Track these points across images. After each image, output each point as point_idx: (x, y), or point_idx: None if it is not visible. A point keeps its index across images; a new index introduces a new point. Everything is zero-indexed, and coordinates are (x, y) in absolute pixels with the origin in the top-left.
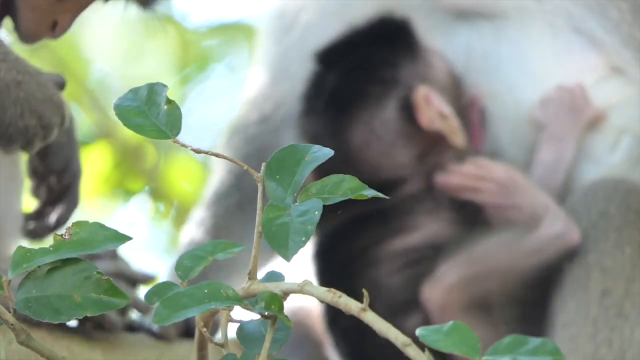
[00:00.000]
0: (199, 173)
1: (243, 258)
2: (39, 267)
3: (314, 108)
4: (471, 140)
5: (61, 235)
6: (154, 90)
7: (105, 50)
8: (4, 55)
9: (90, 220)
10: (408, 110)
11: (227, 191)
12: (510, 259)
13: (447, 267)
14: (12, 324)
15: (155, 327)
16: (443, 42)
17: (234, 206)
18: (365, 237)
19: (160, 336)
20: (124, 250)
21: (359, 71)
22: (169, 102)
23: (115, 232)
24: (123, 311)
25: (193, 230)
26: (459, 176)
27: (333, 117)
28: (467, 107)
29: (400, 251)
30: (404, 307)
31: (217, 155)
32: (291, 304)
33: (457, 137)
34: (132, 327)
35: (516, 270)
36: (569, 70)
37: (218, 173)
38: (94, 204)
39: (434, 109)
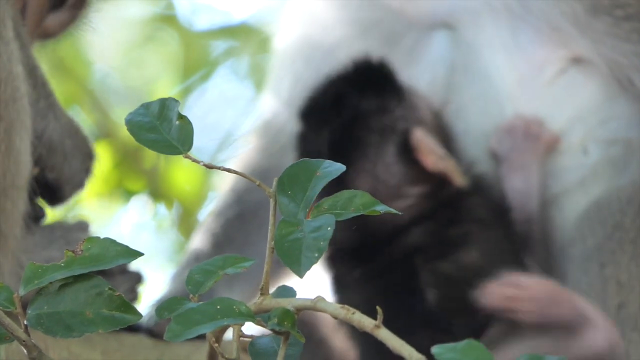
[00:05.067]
0: (199, 174)
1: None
2: (50, 283)
3: None
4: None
5: (73, 251)
6: (165, 105)
7: (106, 51)
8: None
9: (100, 235)
10: (408, 154)
11: (228, 205)
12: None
13: None
14: (23, 341)
15: (154, 327)
16: (420, 57)
17: (234, 218)
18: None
19: (160, 336)
20: None
21: (351, 123)
22: (181, 117)
23: (127, 247)
24: None
25: (197, 241)
26: (495, 297)
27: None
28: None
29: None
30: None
31: (228, 171)
32: None
33: (458, 176)
34: (132, 328)
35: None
36: (530, 65)
37: (222, 190)
38: (94, 205)
39: (432, 150)
